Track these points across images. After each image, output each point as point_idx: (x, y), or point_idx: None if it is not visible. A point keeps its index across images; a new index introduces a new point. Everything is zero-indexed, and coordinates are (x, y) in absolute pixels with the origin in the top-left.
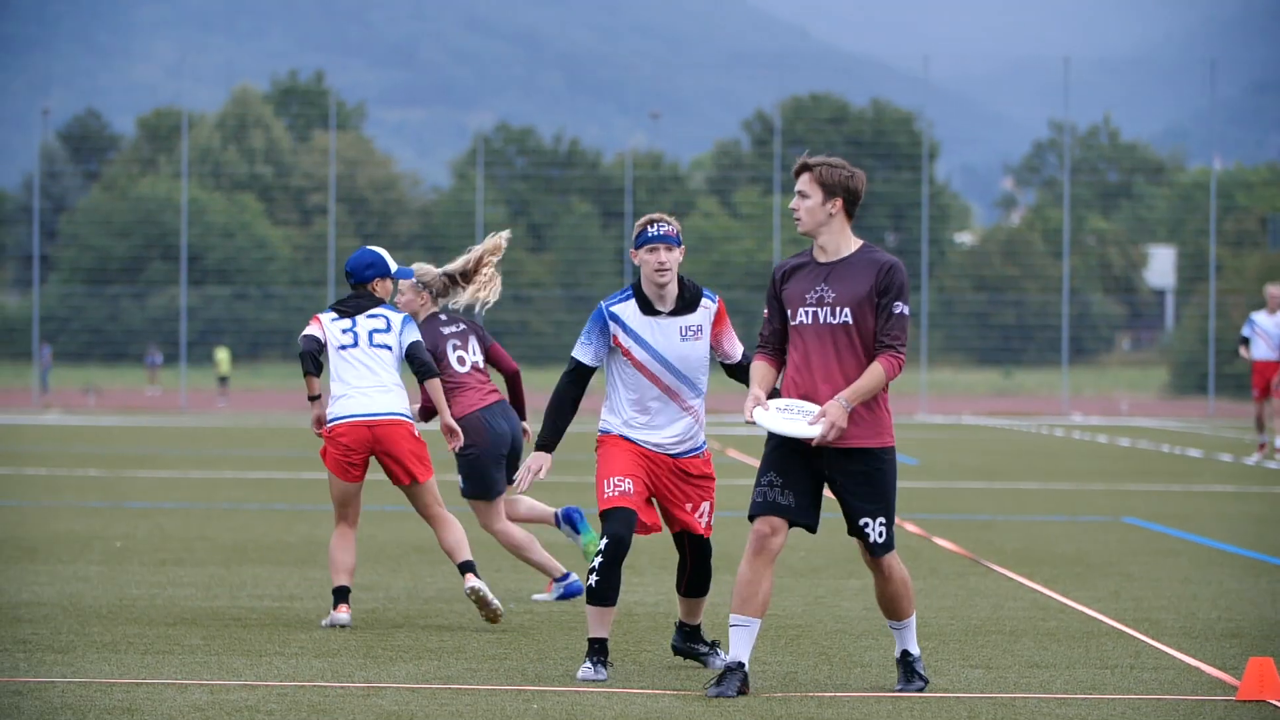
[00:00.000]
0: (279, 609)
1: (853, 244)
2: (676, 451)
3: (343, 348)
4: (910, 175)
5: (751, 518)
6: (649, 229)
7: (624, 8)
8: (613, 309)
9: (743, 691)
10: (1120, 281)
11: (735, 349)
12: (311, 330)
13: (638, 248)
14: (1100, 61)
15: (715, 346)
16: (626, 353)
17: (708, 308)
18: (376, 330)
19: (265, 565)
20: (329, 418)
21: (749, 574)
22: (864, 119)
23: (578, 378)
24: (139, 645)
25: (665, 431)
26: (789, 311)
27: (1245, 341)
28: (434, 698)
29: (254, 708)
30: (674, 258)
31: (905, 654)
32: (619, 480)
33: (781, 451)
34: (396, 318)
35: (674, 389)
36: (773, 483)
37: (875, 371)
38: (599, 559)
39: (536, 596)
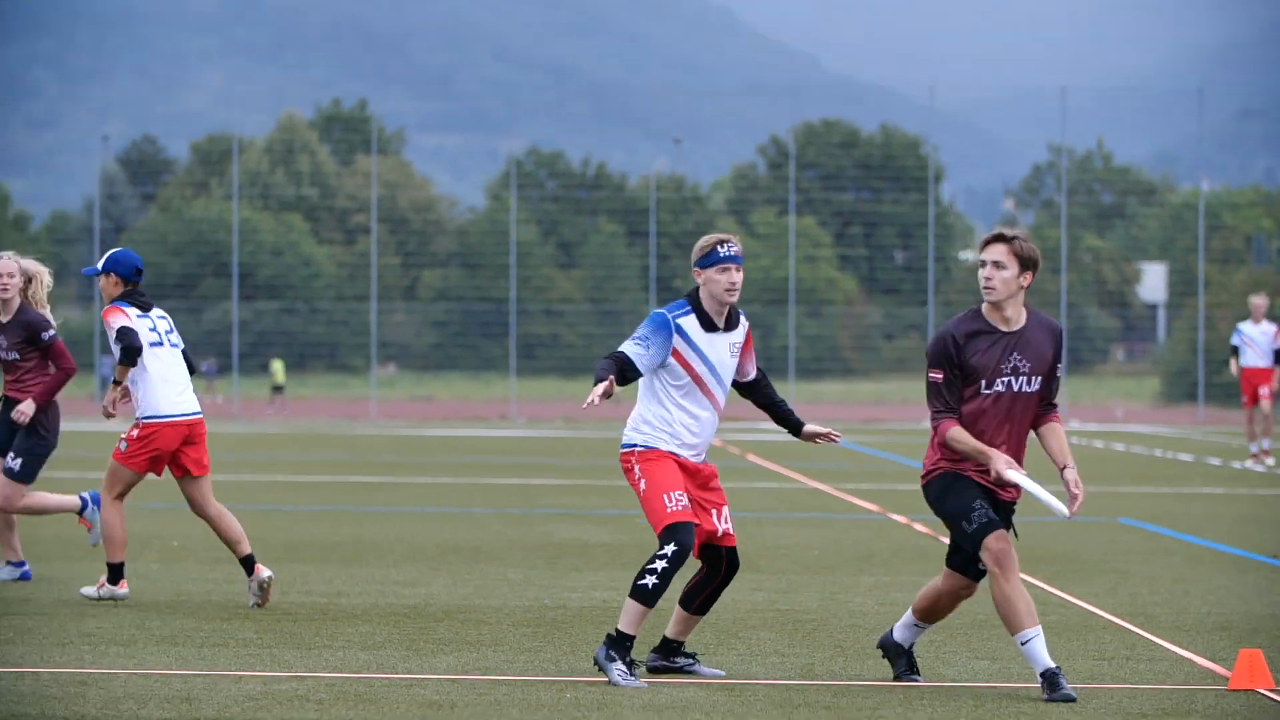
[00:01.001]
0: (327, 604)
1: (1024, 310)
2: (703, 458)
3: (153, 345)
4: (917, 196)
5: (980, 540)
6: (719, 249)
7: (647, 40)
8: (679, 321)
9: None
10: (1114, 296)
11: (753, 368)
12: (130, 323)
13: (706, 266)
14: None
15: (739, 364)
16: (686, 365)
17: (744, 326)
18: (169, 330)
19: (314, 563)
20: (148, 413)
21: (1014, 589)
22: (873, 144)
23: (625, 369)
24: (196, 638)
25: (704, 442)
26: (982, 382)
27: (1235, 352)
28: (473, 688)
29: (304, 697)
30: (741, 278)
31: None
32: (679, 495)
33: (970, 481)
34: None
35: (718, 401)
36: (983, 503)
37: (1062, 432)
38: (664, 564)
39: None
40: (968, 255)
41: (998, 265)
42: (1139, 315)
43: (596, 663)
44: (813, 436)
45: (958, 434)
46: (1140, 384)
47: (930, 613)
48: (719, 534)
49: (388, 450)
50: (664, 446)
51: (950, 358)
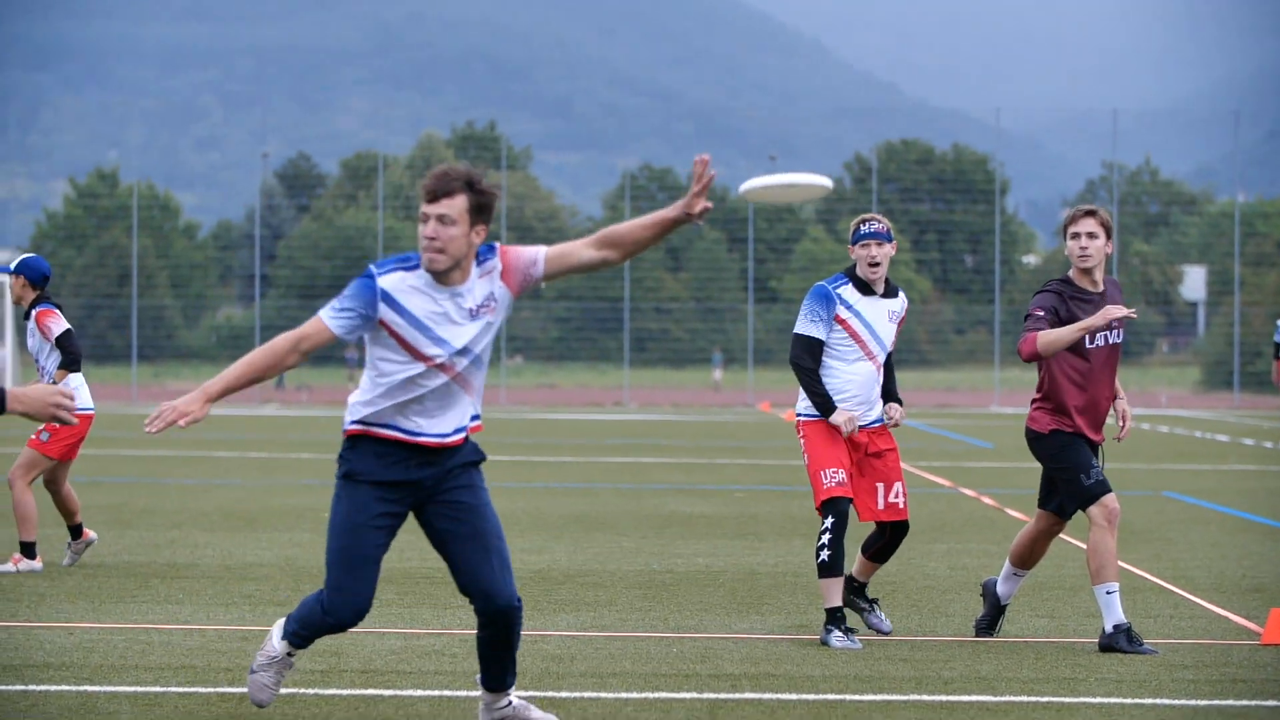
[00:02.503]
0: None
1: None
2: (873, 419)
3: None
4: (985, 207)
5: (1096, 497)
6: (861, 227)
7: (745, 68)
8: (838, 291)
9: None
10: (1159, 295)
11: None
12: (69, 328)
13: (854, 244)
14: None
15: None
16: (846, 326)
17: (904, 301)
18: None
19: None
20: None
21: (1112, 545)
22: (946, 160)
23: (817, 352)
24: None
25: (871, 403)
26: (1085, 339)
27: (1277, 349)
28: (590, 643)
29: (440, 652)
30: (885, 251)
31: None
32: (834, 472)
33: (1082, 443)
34: None
35: (877, 361)
36: (1097, 463)
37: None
38: (828, 536)
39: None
40: (1031, 259)
41: (1091, 236)
42: (1181, 312)
43: (822, 641)
44: (887, 412)
45: (1049, 334)
46: (1182, 373)
47: (1027, 557)
48: (881, 509)
49: (515, 432)
50: (821, 417)
51: (1056, 309)
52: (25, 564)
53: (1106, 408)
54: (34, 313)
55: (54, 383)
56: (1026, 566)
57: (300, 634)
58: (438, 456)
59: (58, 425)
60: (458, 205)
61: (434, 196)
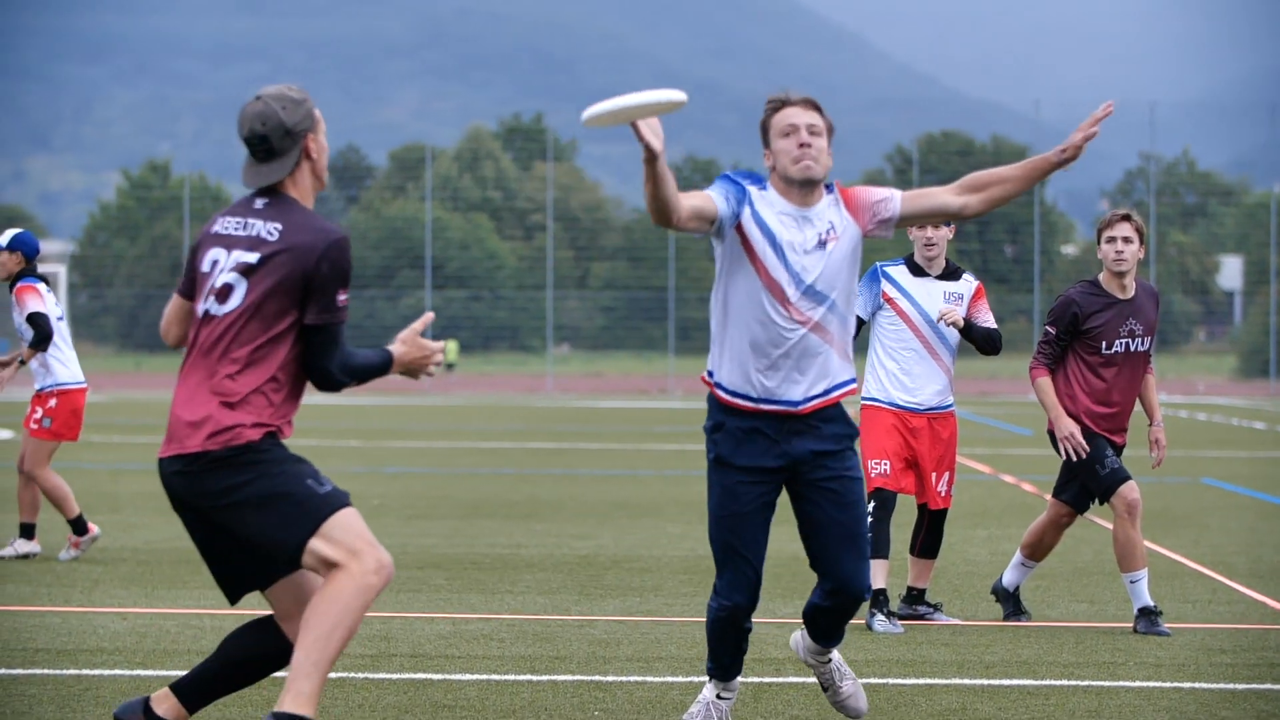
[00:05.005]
0: (508, 555)
1: (1134, 280)
2: (930, 405)
3: (57, 319)
4: (1024, 198)
5: (1113, 488)
6: None
7: (786, 60)
8: (886, 270)
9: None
10: (1197, 285)
11: (992, 321)
12: (44, 308)
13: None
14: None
15: (970, 317)
16: (896, 307)
17: (969, 282)
18: (57, 302)
19: (496, 519)
20: (63, 381)
21: (1136, 534)
22: (985, 152)
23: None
24: (393, 585)
25: (925, 387)
26: (1103, 343)
27: None
28: (636, 628)
29: (488, 636)
30: (941, 234)
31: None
32: (877, 463)
33: (1099, 437)
34: None
35: (931, 345)
36: (1113, 452)
37: (1154, 384)
38: (870, 520)
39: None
40: (1070, 249)
41: (1127, 240)
42: (1218, 301)
43: (867, 624)
44: (946, 317)
45: (1044, 385)
46: (1219, 361)
47: (1037, 548)
48: (933, 497)
49: (562, 420)
50: (881, 396)
51: (1068, 320)
52: (85, 540)
53: (1126, 412)
54: (17, 286)
55: (21, 362)
56: (1036, 558)
57: (723, 652)
58: (800, 424)
59: (51, 406)
60: (822, 121)
61: (806, 105)
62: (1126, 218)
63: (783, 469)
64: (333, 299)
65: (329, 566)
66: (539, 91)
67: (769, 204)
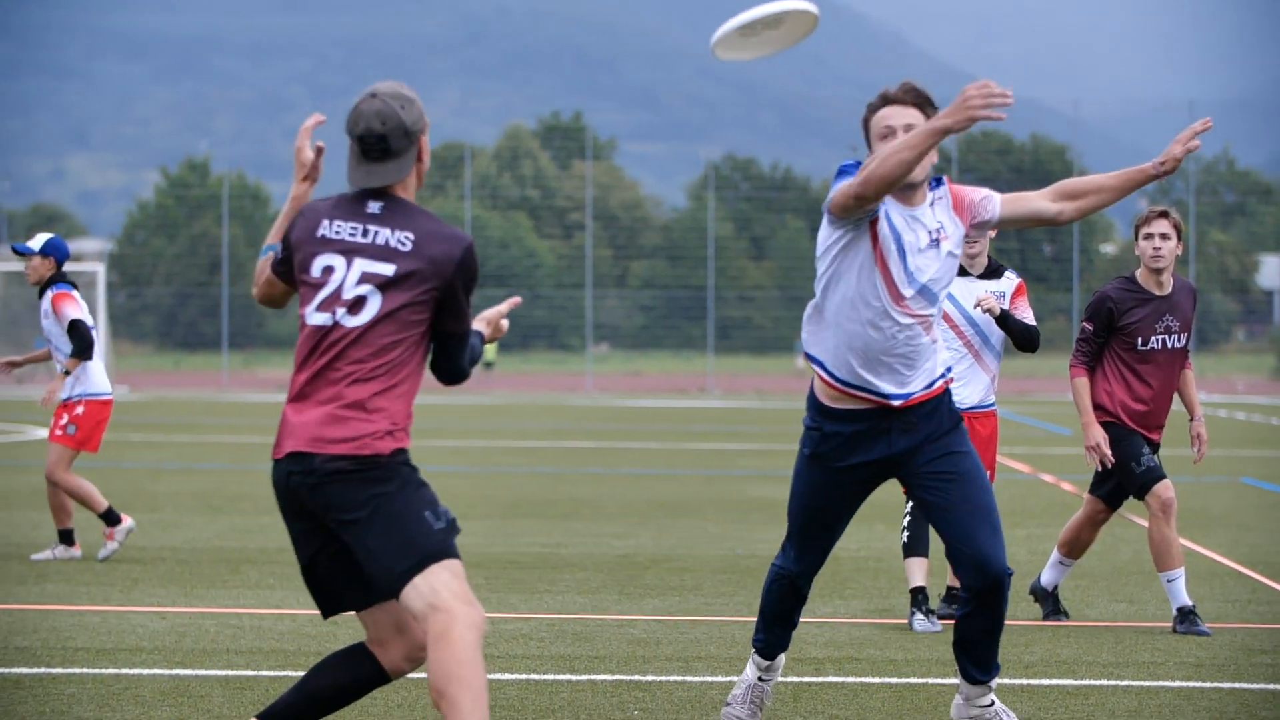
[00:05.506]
0: (548, 554)
1: (1172, 276)
2: (971, 404)
3: (90, 327)
4: None
5: (1148, 486)
6: None
7: (826, 60)
8: None
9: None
10: (1236, 284)
11: (1031, 319)
12: (83, 316)
13: None
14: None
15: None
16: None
17: (1011, 279)
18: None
19: (536, 518)
20: (92, 391)
21: (1171, 533)
22: (1025, 151)
23: None
24: None
25: (965, 387)
26: (1138, 339)
27: None
28: (676, 627)
29: (528, 636)
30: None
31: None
32: None
33: (1134, 435)
34: None
35: (975, 346)
36: (1149, 450)
37: (1193, 380)
38: (908, 519)
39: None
40: (1109, 248)
41: (1164, 237)
42: (1258, 300)
43: (909, 623)
44: (983, 303)
45: (1080, 386)
46: (1259, 360)
47: (1074, 545)
48: None
49: (600, 419)
50: None
51: (1104, 316)
52: (120, 530)
53: (1164, 409)
54: (50, 294)
55: (66, 373)
56: (1074, 556)
57: (771, 630)
58: (906, 418)
59: (79, 414)
60: (921, 118)
61: (905, 103)
62: (1164, 214)
63: (884, 461)
64: (468, 305)
65: (431, 610)
66: (579, 90)
67: (890, 203)
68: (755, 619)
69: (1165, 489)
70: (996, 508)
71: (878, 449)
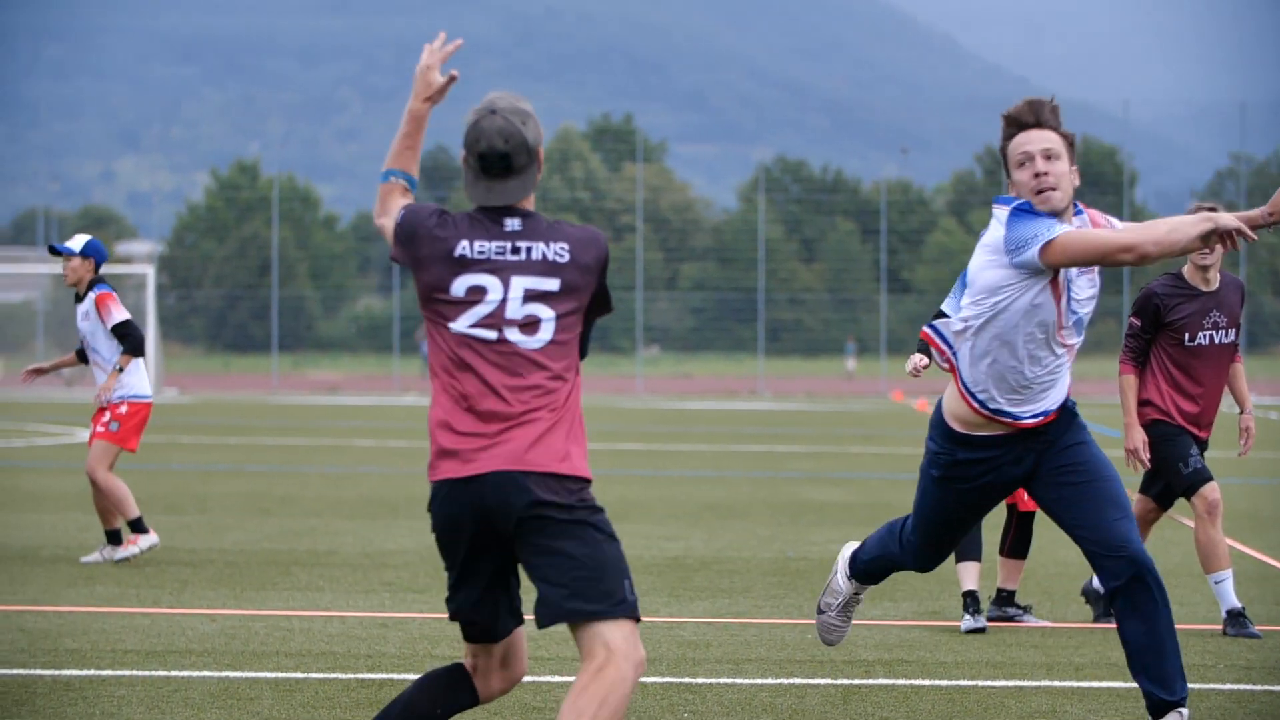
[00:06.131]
0: None
1: (1219, 273)
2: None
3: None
4: (1113, 198)
5: (1195, 487)
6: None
7: (877, 62)
8: None
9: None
10: None
11: None
12: (127, 314)
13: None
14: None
15: None
16: None
17: None
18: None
19: None
20: (136, 393)
21: (1218, 534)
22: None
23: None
24: None
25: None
26: (1185, 335)
27: None
28: (725, 629)
29: (570, 640)
30: None
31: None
32: None
33: (1182, 435)
34: None
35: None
36: (1197, 451)
37: (1243, 373)
38: None
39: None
40: None
41: None
42: None
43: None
44: None
45: (1127, 384)
46: None
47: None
48: (1020, 498)
49: (650, 421)
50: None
51: (1150, 312)
52: (144, 539)
53: (1213, 406)
54: (94, 295)
55: (120, 369)
56: None
57: (871, 575)
58: (1041, 437)
59: (121, 413)
60: (1057, 138)
61: (1040, 125)
62: (1211, 210)
63: (1015, 481)
64: (607, 290)
65: (603, 649)
66: (629, 92)
67: None
68: (804, 621)
69: (1211, 490)
70: (1126, 494)
71: (1009, 470)
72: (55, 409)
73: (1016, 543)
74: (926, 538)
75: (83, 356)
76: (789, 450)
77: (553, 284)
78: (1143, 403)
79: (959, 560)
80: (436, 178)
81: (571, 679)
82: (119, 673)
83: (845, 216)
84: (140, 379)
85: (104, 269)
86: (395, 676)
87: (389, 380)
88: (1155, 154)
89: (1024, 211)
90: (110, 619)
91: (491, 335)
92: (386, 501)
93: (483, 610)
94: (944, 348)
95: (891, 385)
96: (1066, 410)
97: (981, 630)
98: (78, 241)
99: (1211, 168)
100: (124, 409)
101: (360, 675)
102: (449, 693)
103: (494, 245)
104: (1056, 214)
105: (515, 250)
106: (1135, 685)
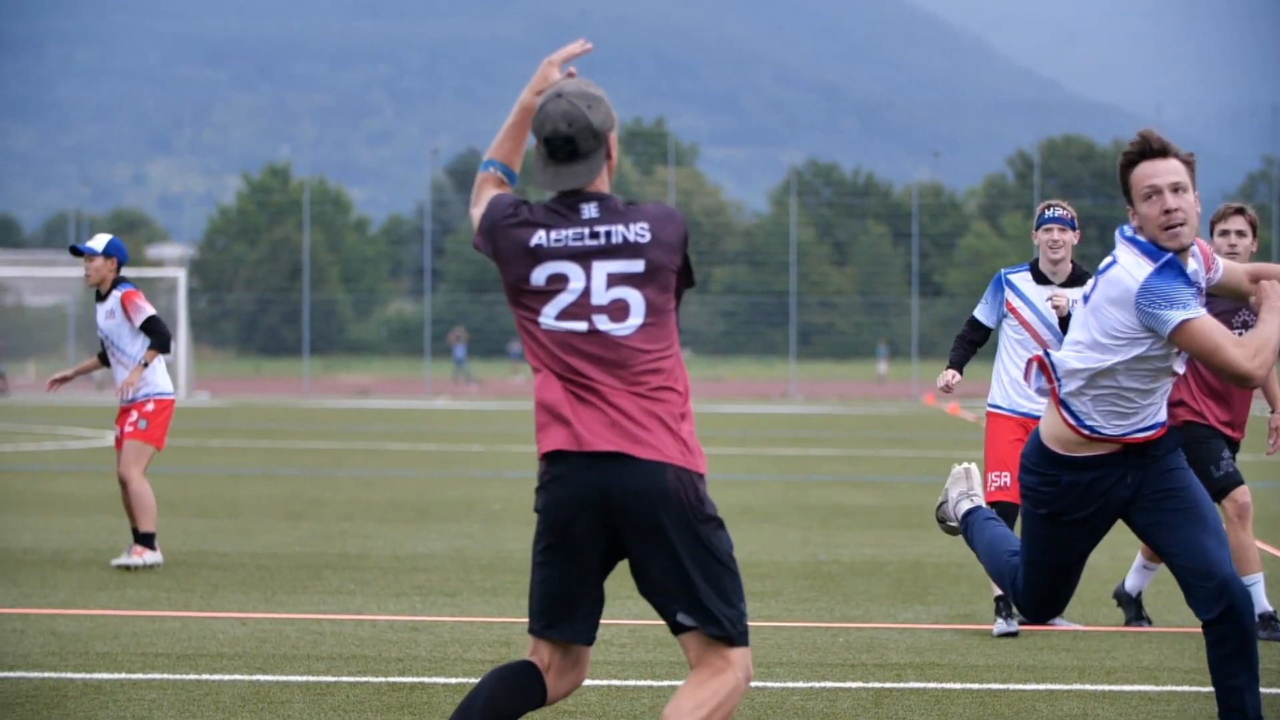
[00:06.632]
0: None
1: None
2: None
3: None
4: None
5: (1225, 491)
6: (1046, 212)
7: (909, 65)
8: (1009, 277)
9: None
10: None
11: None
12: (153, 310)
13: (1036, 229)
14: None
15: None
16: (1018, 315)
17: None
18: None
19: None
20: (161, 391)
21: (1248, 538)
22: (1107, 156)
23: (972, 329)
24: (514, 590)
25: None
26: None
27: None
28: (757, 633)
29: (609, 641)
30: (1066, 238)
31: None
32: (997, 475)
33: (1213, 437)
34: None
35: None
36: (1228, 454)
37: (1275, 375)
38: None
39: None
40: None
41: (1240, 234)
42: None
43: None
44: (1054, 301)
45: None
46: None
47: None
48: None
49: None
50: (1004, 403)
51: None
52: (150, 555)
53: (1245, 406)
54: (118, 294)
55: (145, 364)
56: (1157, 560)
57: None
58: (1146, 454)
59: (149, 411)
60: (1184, 169)
61: (1164, 154)
62: (1240, 211)
63: (1118, 505)
64: (690, 263)
65: (715, 654)
66: (661, 95)
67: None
68: (835, 625)
69: (1242, 494)
70: (1220, 520)
71: (1117, 493)
72: (87, 412)
73: None
74: (1040, 588)
75: (104, 359)
76: (820, 454)
77: (637, 265)
78: (1175, 404)
79: None
80: (468, 181)
81: (601, 682)
82: (150, 676)
83: (877, 220)
84: (164, 376)
85: (135, 272)
86: (426, 680)
87: (420, 384)
88: None
89: (1171, 271)
90: (141, 622)
91: (581, 326)
92: (417, 505)
93: (570, 599)
94: (1055, 382)
95: (923, 389)
96: (1170, 429)
97: (1014, 634)
98: (99, 241)
99: (1243, 170)
100: (150, 406)
101: (391, 679)
102: (525, 693)
103: (571, 232)
104: (1184, 249)
105: (594, 235)
106: (1167, 689)
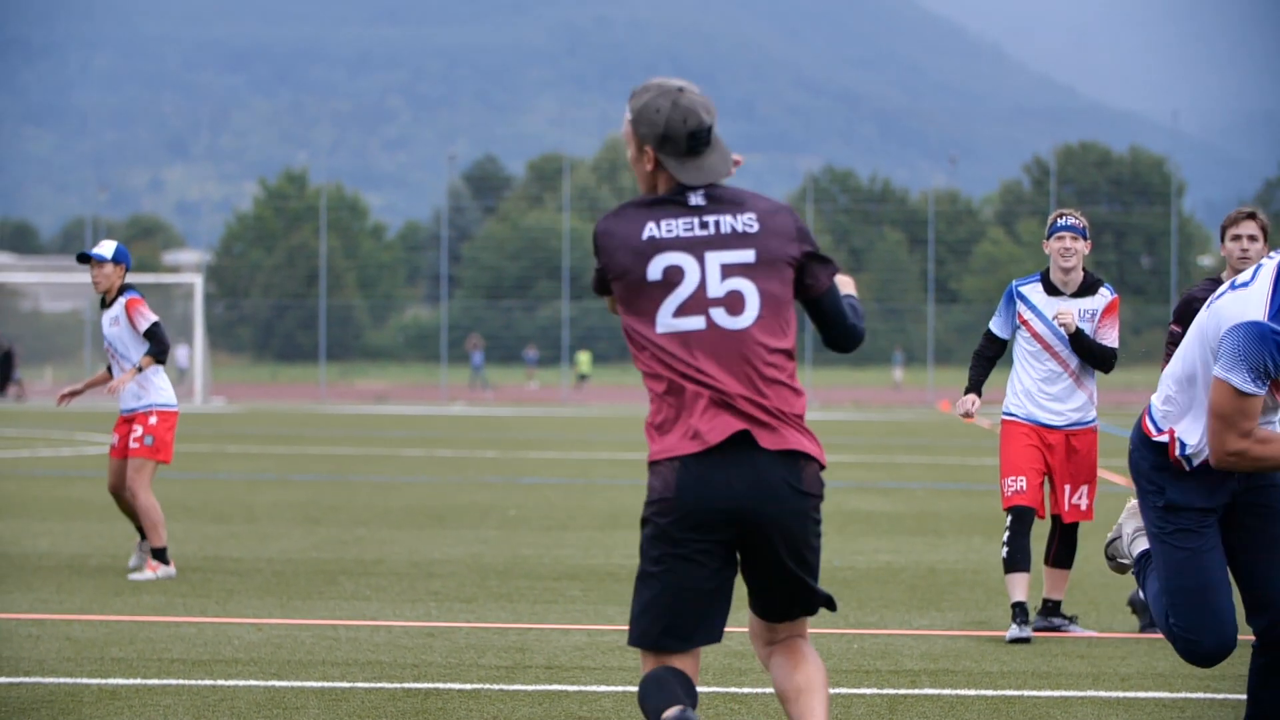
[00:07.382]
0: None
1: None
2: (1068, 421)
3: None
4: (1161, 209)
5: None
6: (1058, 220)
7: (926, 71)
8: (1020, 289)
9: None
10: None
11: (1112, 340)
12: (158, 318)
13: (1048, 238)
14: None
15: (1096, 330)
16: (1029, 327)
17: (1104, 296)
18: None
19: (633, 530)
20: (164, 402)
21: None
22: (1123, 163)
23: (989, 343)
24: (529, 596)
25: (1062, 405)
26: None
27: None
28: None
29: (624, 648)
30: (1078, 246)
31: None
32: (1013, 480)
33: None
34: None
35: (1072, 366)
36: None
37: None
38: (1007, 534)
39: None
40: (1206, 260)
41: (1252, 238)
42: None
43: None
44: (1060, 319)
45: None
46: None
47: None
48: (1065, 509)
49: None
50: (1019, 412)
51: (1191, 318)
52: (163, 569)
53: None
54: (123, 300)
55: (139, 369)
56: None
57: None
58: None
59: (152, 424)
60: (1257, 229)
61: (1251, 220)
62: (1251, 215)
63: (1225, 502)
64: (820, 262)
65: (799, 636)
66: None
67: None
68: (851, 631)
69: None
70: None
71: (1223, 487)
72: (104, 418)
73: (1061, 553)
74: (1195, 615)
75: (112, 371)
76: (836, 460)
77: (748, 255)
78: None
79: (1008, 571)
80: (485, 187)
81: (615, 689)
82: (165, 682)
83: (893, 226)
84: (167, 388)
85: (152, 278)
86: (441, 686)
87: (436, 390)
88: (1204, 163)
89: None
90: (157, 628)
91: (699, 323)
92: (433, 511)
93: (699, 602)
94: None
95: (939, 395)
96: None
97: (1027, 640)
98: (107, 247)
99: (1260, 177)
100: (154, 420)
101: (406, 685)
102: (689, 689)
103: (681, 222)
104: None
105: (704, 225)
106: (1181, 696)
